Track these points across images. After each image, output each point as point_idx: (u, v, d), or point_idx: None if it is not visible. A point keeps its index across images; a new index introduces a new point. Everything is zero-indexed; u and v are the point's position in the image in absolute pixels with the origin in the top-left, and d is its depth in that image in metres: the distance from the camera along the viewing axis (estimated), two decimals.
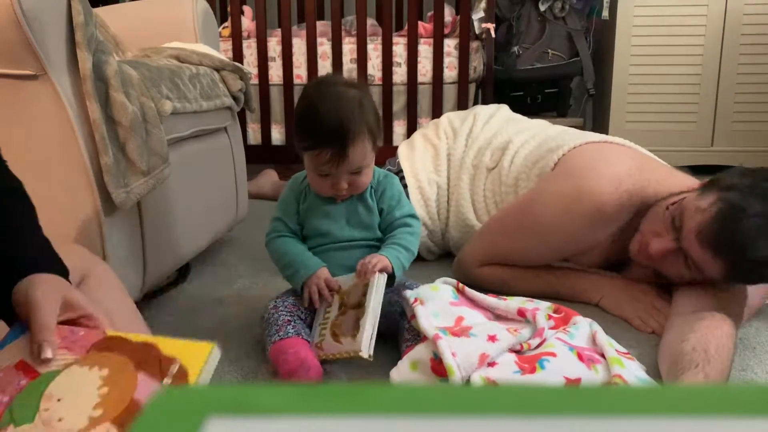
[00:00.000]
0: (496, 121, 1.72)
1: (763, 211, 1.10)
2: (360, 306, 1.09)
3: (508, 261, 1.45)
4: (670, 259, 1.23)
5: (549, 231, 1.37)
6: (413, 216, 1.23)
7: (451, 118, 1.79)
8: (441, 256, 1.71)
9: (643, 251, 1.27)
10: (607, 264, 1.44)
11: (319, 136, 1.11)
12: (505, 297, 1.25)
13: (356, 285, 1.13)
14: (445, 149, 1.69)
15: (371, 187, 1.21)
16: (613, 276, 1.42)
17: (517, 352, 1.06)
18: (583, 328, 1.13)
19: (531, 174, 1.49)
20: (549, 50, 2.87)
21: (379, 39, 2.77)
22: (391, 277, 1.16)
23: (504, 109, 1.82)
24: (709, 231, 1.13)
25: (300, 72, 2.82)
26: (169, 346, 0.63)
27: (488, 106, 1.83)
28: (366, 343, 1.04)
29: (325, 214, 1.20)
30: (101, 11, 1.76)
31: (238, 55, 2.79)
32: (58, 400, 0.60)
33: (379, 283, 1.10)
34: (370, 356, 1.04)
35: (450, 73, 2.76)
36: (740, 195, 1.12)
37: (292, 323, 1.15)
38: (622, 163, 1.37)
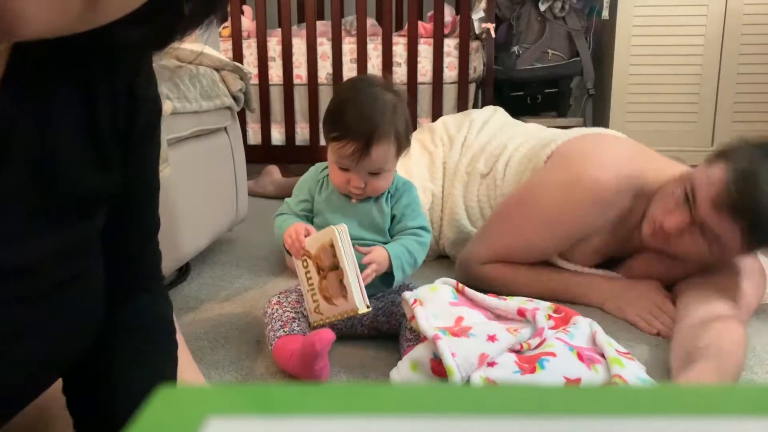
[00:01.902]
0: (491, 127, 1.71)
1: None
2: (336, 267, 1.10)
3: (512, 256, 1.44)
4: (686, 235, 1.22)
5: (551, 219, 1.37)
6: (425, 228, 1.23)
7: (446, 124, 1.78)
8: (439, 257, 1.71)
9: (658, 231, 1.26)
10: (608, 257, 1.44)
11: (347, 129, 1.12)
12: (504, 297, 1.25)
13: (323, 247, 1.12)
14: (440, 157, 1.69)
15: (389, 192, 1.22)
16: (615, 278, 1.42)
17: (517, 352, 1.06)
18: (583, 328, 1.13)
19: (526, 174, 1.49)
20: (549, 50, 2.87)
21: (379, 39, 2.77)
22: (389, 276, 1.16)
23: (499, 112, 1.81)
24: (726, 196, 1.14)
25: (300, 72, 2.82)
26: None
27: (483, 110, 1.83)
28: (359, 299, 1.08)
29: (339, 210, 1.21)
30: None
31: (238, 55, 2.79)
32: None
33: (342, 238, 1.10)
34: (368, 306, 1.09)
35: (450, 73, 2.76)
36: (750, 160, 1.14)
37: (297, 321, 1.15)
38: (619, 150, 1.39)
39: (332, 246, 1.10)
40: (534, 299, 1.25)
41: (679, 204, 1.22)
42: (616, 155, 1.37)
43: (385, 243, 1.22)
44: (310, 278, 1.15)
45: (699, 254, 1.24)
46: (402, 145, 1.17)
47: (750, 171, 1.13)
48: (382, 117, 1.12)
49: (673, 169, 1.36)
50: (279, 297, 1.21)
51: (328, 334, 1.04)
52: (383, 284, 1.18)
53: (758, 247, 1.19)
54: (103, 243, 0.57)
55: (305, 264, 1.15)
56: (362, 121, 1.12)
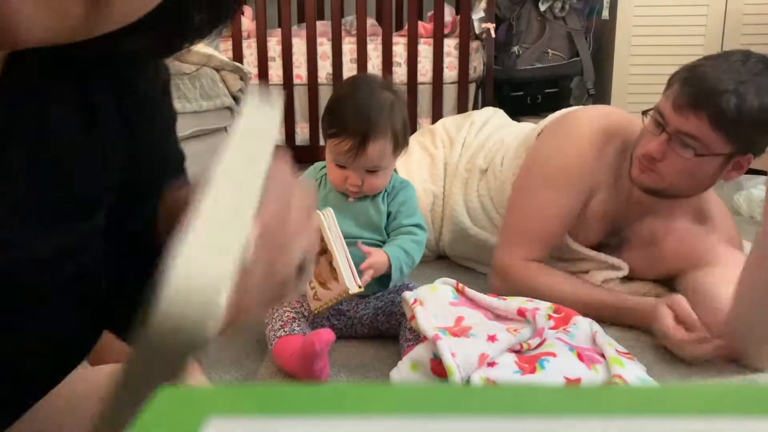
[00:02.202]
0: (489, 126, 1.74)
1: (714, 62, 1.24)
2: (325, 251, 1.11)
3: (540, 238, 1.41)
4: (669, 154, 1.26)
5: (557, 172, 1.40)
6: (420, 226, 1.23)
7: (446, 125, 1.78)
8: (439, 258, 1.71)
9: (644, 163, 1.30)
10: (611, 229, 1.45)
11: (344, 125, 1.14)
12: (505, 297, 1.25)
13: None
14: (441, 158, 1.69)
15: (386, 190, 1.23)
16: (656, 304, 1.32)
17: (517, 352, 1.06)
18: (583, 328, 1.13)
19: (522, 158, 1.51)
20: (549, 50, 2.87)
21: (379, 39, 2.77)
22: (387, 277, 1.16)
23: (499, 114, 1.83)
24: (680, 96, 1.23)
25: (300, 72, 2.82)
26: None
27: (483, 111, 1.84)
28: (349, 280, 1.09)
29: (337, 208, 1.21)
30: None
31: (238, 55, 2.79)
32: None
33: (328, 222, 1.11)
34: (360, 287, 1.09)
35: (450, 73, 2.76)
36: (693, 64, 1.27)
37: (297, 321, 1.15)
38: (603, 108, 1.57)
39: (319, 230, 1.11)
40: (534, 299, 1.25)
41: (653, 132, 1.28)
42: (600, 111, 1.50)
43: (382, 241, 1.22)
44: None
45: (690, 169, 1.26)
46: (399, 143, 1.17)
47: (695, 69, 1.24)
48: (378, 114, 1.13)
49: None
50: None
51: (328, 335, 1.04)
52: (380, 285, 1.19)
53: (737, 135, 1.20)
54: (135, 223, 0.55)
55: None
56: (359, 118, 1.13)
